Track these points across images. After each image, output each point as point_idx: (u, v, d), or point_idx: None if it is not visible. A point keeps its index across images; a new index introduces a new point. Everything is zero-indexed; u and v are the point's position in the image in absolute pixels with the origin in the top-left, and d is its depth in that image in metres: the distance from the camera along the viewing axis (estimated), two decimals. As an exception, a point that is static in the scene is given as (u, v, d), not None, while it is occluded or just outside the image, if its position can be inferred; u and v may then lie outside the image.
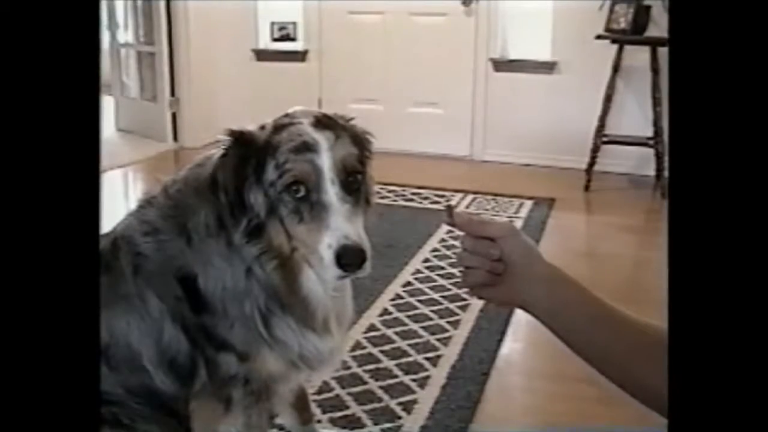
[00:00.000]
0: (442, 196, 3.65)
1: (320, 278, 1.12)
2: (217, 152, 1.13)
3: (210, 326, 1.14)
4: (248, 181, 1.08)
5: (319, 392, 1.83)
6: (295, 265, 1.12)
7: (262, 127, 1.13)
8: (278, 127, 1.10)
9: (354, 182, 1.08)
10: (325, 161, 1.05)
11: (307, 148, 1.05)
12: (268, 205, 1.08)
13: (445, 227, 3.16)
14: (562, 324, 0.94)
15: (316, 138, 1.06)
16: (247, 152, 1.09)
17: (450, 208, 1.00)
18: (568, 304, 0.94)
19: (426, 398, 1.84)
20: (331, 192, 1.04)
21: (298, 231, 1.06)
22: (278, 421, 1.57)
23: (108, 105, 5.25)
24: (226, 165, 1.09)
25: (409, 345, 2.12)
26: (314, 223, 1.04)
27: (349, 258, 1.01)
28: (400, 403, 1.81)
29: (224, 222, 1.10)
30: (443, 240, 3.02)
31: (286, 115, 1.14)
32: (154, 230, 1.16)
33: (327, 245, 1.02)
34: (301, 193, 1.05)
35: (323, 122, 1.10)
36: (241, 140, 1.10)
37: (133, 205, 1.25)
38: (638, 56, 3.96)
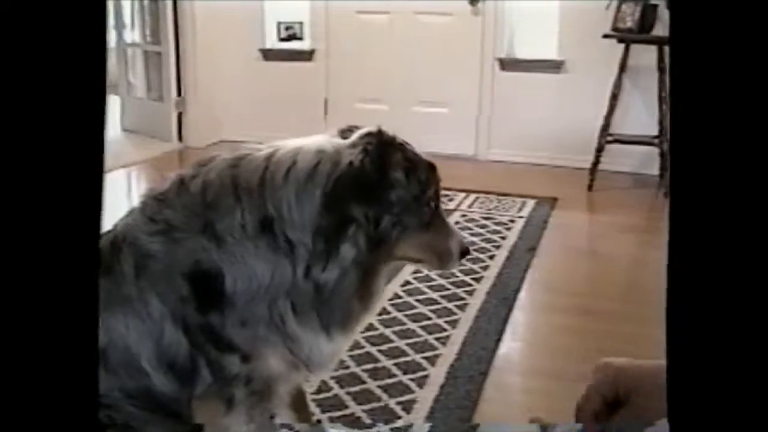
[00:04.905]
0: (445, 195, 3.65)
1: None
2: (350, 148, 1.16)
3: (217, 326, 1.13)
4: (396, 177, 1.15)
5: (318, 392, 1.84)
6: (379, 272, 1.22)
7: (346, 131, 1.22)
8: (389, 143, 1.19)
9: None
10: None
11: (433, 167, 1.22)
12: (402, 210, 1.16)
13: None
14: None
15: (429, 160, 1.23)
16: (393, 155, 1.17)
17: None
18: None
19: (425, 397, 1.85)
20: (441, 204, 1.24)
21: (423, 239, 1.20)
22: (284, 420, 1.58)
23: (114, 105, 5.26)
24: (388, 162, 1.15)
25: (408, 344, 2.13)
26: (440, 229, 1.22)
27: (467, 250, 1.26)
28: (399, 403, 1.82)
29: (270, 226, 1.12)
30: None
31: (377, 134, 1.19)
32: (167, 228, 1.14)
33: (457, 243, 1.23)
34: (435, 207, 1.21)
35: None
36: (384, 142, 1.18)
37: (136, 204, 1.24)
38: (645, 55, 3.94)
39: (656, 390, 0.82)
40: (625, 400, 0.88)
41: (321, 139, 1.20)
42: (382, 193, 1.13)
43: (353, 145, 1.16)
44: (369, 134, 1.18)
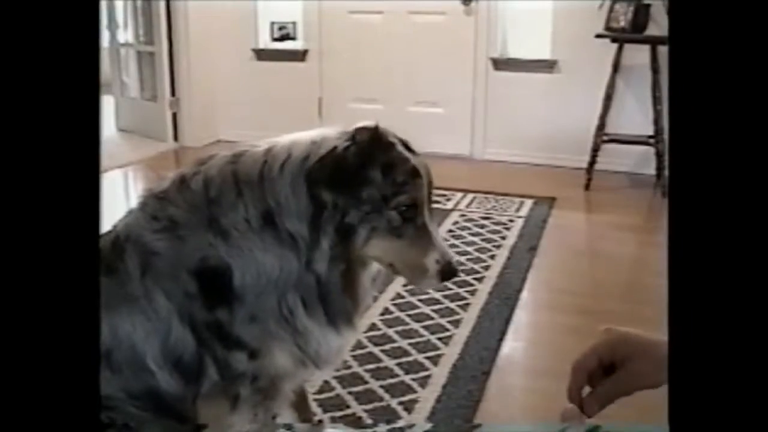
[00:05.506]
0: (443, 195, 3.65)
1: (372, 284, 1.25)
2: (336, 140, 1.15)
3: (225, 323, 1.13)
4: (372, 175, 1.12)
5: (320, 392, 1.83)
6: (358, 269, 1.19)
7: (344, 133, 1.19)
8: (379, 140, 1.16)
9: (433, 207, 1.20)
10: (425, 188, 1.16)
11: (417, 174, 1.15)
12: (372, 210, 1.13)
13: (446, 225, 3.16)
14: None
15: (419, 167, 1.16)
16: (377, 151, 1.14)
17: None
18: None
19: (427, 397, 1.85)
20: (427, 215, 1.16)
21: (394, 246, 1.14)
22: (285, 420, 1.57)
23: (108, 105, 5.25)
24: (369, 153, 1.13)
25: (410, 344, 2.13)
26: (417, 240, 1.14)
27: (451, 272, 1.15)
28: (401, 403, 1.82)
29: (272, 219, 1.12)
30: (444, 239, 3.02)
31: (371, 129, 1.17)
32: (171, 225, 1.15)
33: (435, 260, 1.14)
34: (409, 214, 1.13)
35: (410, 149, 1.20)
36: (375, 138, 1.16)
37: (134, 203, 1.23)
38: (638, 55, 3.95)
39: (654, 360, 0.86)
40: (621, 365, 0.89)
41: (317, 133, 1.20)
42: (355, 187, 1.11)
43: (342, 135, 1.17)
44: (363, 128, 1.18)
